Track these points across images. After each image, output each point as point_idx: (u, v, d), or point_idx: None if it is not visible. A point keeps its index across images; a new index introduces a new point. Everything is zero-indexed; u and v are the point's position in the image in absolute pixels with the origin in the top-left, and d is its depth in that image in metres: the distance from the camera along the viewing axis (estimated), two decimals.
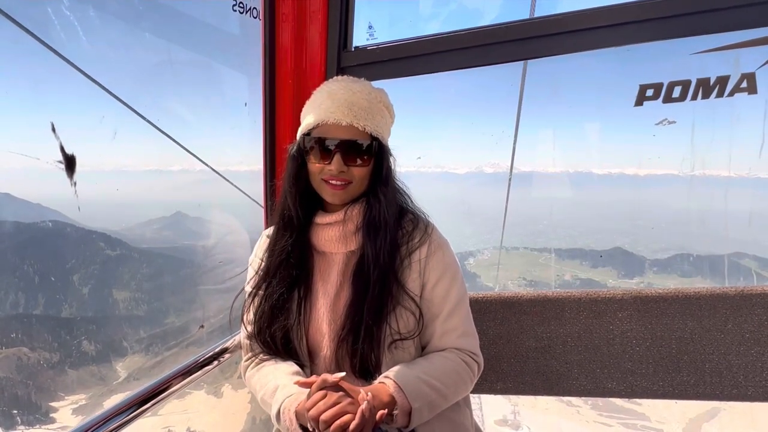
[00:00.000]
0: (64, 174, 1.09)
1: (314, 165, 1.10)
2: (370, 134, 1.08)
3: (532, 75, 1.94)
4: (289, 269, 1.14)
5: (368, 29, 1.71)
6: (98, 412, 1.07)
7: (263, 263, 1.19)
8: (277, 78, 1.71)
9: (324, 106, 1.08)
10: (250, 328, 1.18)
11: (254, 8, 1.59)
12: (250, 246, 1.31)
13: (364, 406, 0.90)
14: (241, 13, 1.54)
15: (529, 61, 1.78)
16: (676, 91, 1.48)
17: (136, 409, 1.14)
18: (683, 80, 1.47)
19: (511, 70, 1.85)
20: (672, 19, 1.41)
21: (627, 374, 1.52)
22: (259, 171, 1.75)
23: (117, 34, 1.23)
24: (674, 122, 1.66)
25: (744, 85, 1.43)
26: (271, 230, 1.23)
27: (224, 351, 1.47)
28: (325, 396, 0.93)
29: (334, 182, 1.08)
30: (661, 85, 1.50)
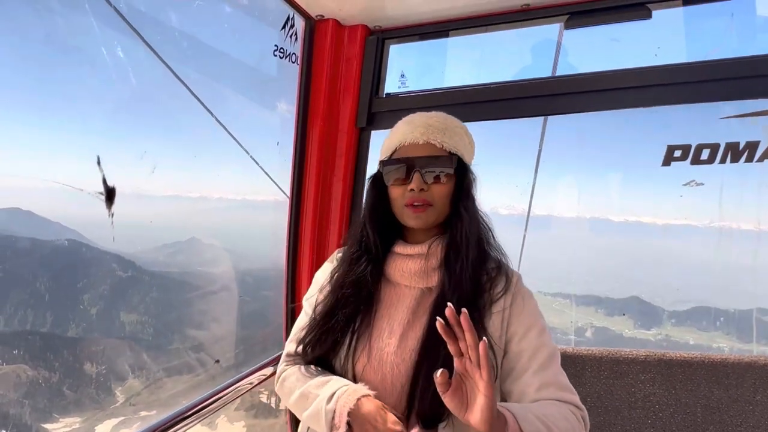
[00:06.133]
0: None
1: (395, 189, 1.07)
2: (449, 152, 1.06)
3: (556, 127, 1.95)
4: (359, 303, 1.07)
5: (400, 78, 1.78)
6: None
7: (329, 286, 1.13)
8: (309, 119, 1.77)
9: (401, 131, 1.08)
10: (294, 345, 1.12)
11: (293, 53, 1.68)
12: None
13: None
14: (281, 58, 1.63)
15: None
16: (705, 154, 1.48)
17: None
18: (712, 143, 1.47)
19: (534, 120, 1.87)
20: (699, 84, 1.43)
21: None
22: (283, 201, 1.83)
23: (162, 73, 1.29)
24: (702, 184, 1.64)
25: None
26: (344, 250, 1.17)
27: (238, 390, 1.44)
28: None
29: (415, 204, 1.04)
30: (689, 146, 1.49)
